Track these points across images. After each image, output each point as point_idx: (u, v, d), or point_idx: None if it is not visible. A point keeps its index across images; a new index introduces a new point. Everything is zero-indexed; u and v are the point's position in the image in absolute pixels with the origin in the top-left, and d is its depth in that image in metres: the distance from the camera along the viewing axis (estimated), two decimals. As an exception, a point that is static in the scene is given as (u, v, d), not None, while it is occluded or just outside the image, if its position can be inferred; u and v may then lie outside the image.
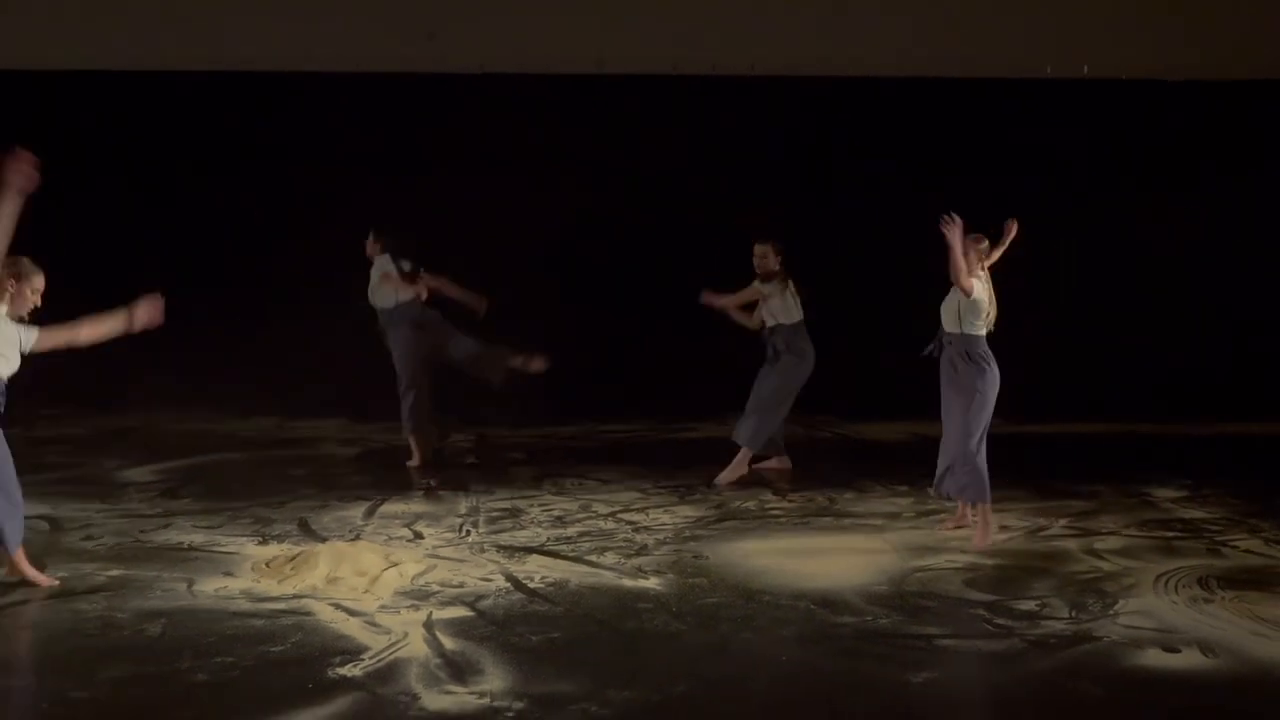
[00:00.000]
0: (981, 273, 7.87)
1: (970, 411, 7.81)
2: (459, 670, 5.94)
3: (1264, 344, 11.71)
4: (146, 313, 6.88)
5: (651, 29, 11.69)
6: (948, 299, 7.91)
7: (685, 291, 11.98)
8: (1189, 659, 6.14)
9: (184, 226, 11.82)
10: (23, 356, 6.74)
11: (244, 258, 11.73)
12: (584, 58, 11.63)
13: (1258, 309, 11.88)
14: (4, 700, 5.78)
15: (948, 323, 7.91)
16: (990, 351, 7.87)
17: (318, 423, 11.08)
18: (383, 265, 10.00)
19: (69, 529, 8.10)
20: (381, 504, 8.72)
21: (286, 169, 11.75)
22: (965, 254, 7.72)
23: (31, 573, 7.00)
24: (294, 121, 12.06)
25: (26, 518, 8.16)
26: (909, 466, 9.35)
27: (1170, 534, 8.14)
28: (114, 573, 7.24)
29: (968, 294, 7.74)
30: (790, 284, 9.62)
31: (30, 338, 6.71)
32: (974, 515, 8.01)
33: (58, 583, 6.94)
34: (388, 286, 9.92)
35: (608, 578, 7.27)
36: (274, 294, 11.29)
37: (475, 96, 11.91)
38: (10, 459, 6.83)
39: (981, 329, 7.85)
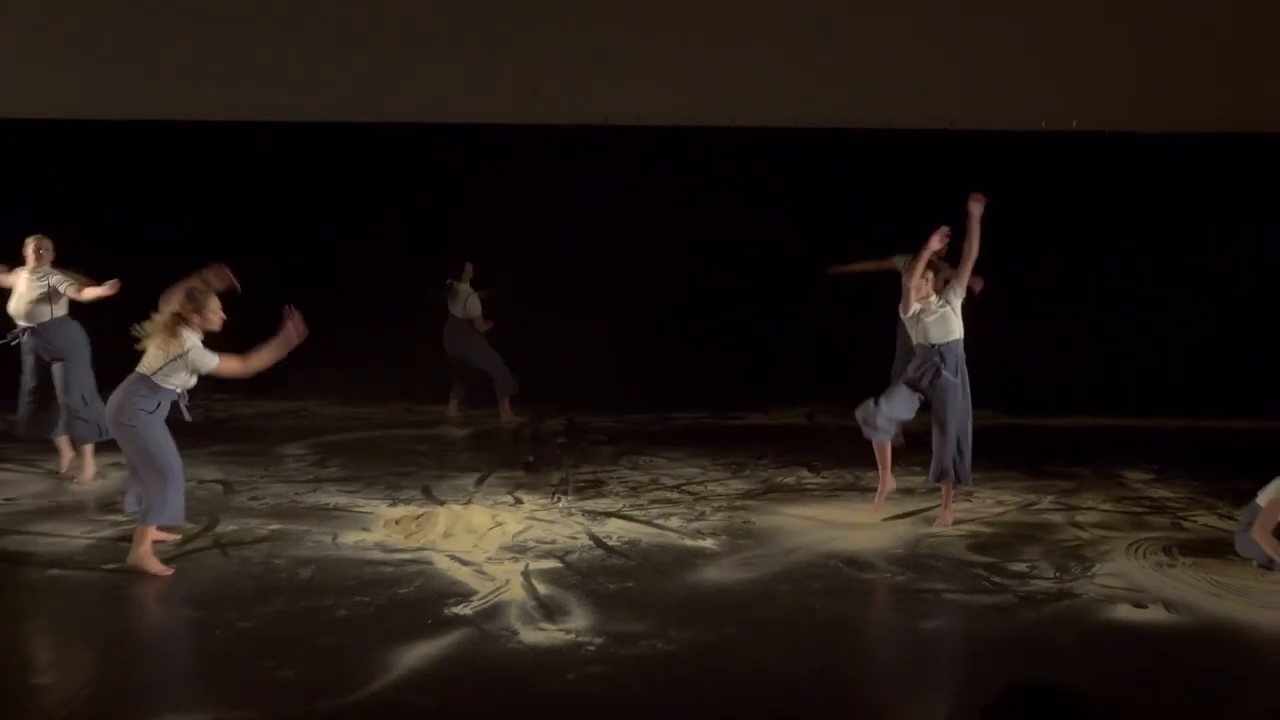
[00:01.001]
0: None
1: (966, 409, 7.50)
2: (550, 611, 5.97)
3: (1219, 354, 11.50)
4: (295, 329, 6.49)
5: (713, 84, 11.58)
6: (935, 317, 7.40)
7: (740, 310, 12.01)
8: (1154, 614, 6.08)
9: (335, 256, 11.86)
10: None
11: (379, 281, 11.79)
12: (655, 112, 11.59)
13: (1215, 326, 11.67)
14: (186, 628, 5.89)
15: (942, 335, 7.39)
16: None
17: (438, 408, 11.14)
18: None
19: (239, 491, 8.21)
20: (489, 475, 8.76)
21: (413, 205, 11.83)
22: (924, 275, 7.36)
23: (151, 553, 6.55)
24: (426, 164, 12.13)
25: (206, 482, 8.32)
26: (923, 450, 9.25)
27: (1140, 510, 8.03)
28: (274, 527, 7.34)
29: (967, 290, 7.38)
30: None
31: (210, 363, 6.39)
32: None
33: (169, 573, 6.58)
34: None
35: (672, 538, 7.28)
36: (399, 308, 11.34)
37: (570, 146, 11.90)
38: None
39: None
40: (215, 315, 6.48)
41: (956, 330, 7.43)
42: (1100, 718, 2.06)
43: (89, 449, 8.29)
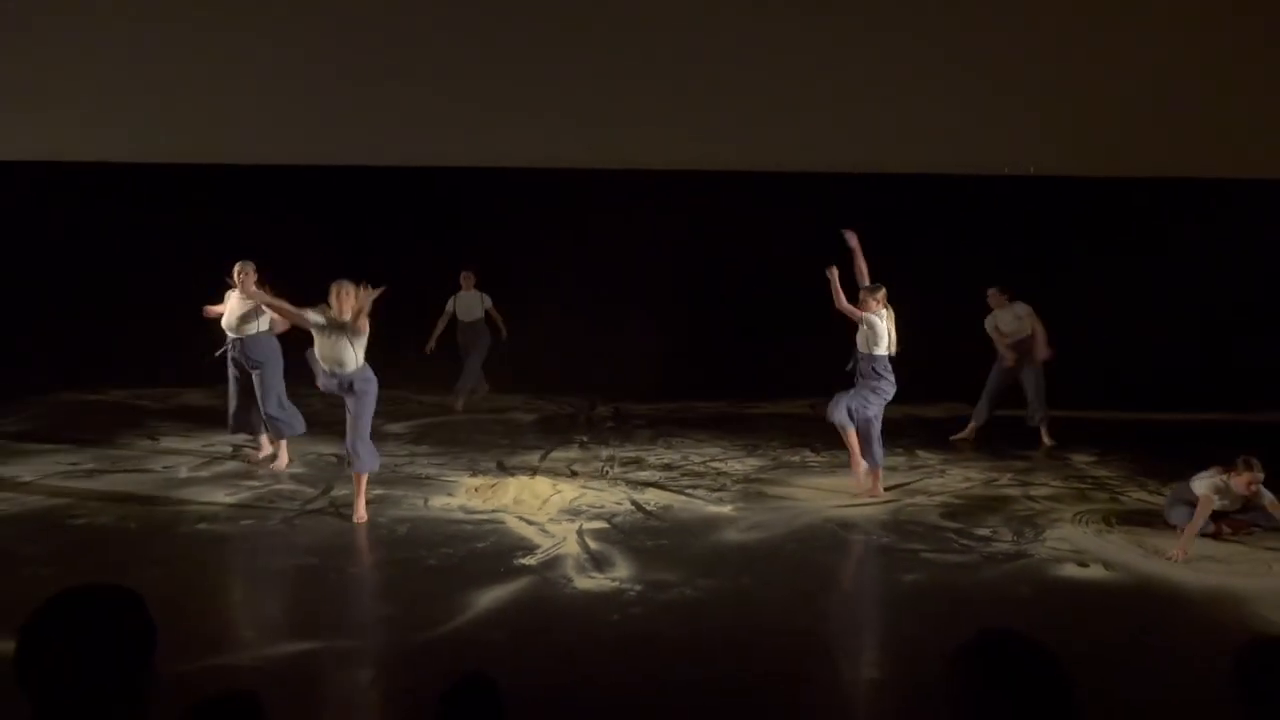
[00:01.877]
0: (884, 310, 7.22)
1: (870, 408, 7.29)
2: (599, 563, 5.98)
3: (1151, 359, 11.32)
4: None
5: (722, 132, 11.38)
6: (860, 330, 7.27)
7: (754, 320, 11.94)
8: (1095, 572, 6.02)
9: (427, 282, 11.77)
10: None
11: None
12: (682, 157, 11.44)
13: (1147, 335, 11.49)
14: (307, 573, 5.93)
15: (860, 345, 7.30)
16: (890, 367, 7.27)
17: (509, 397, 11.15)
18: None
19: (351, 463, 8.24)
20: (551, 451, 8.77)
21: (476, 238, 11.70)
22: (865, 300, 7.16)
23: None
24: (493, 202, 12.11)
25: (324, 455, 8.36)
26: (905, 436, 9.19)
27: (1083, 485, 7.92)
28: (377, 492, 7.34)
29: (862, 320, 7.14)
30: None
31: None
32: (867, 474, 7.48)
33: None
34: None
35: (698, 504, 7.26)
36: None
37: (603, 186, 11.76)
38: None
39: (881, 351, 7.23)
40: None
41: (871, 346, 7.25)
42: (1052, 656, 2.03)
43: (284, 442, 7.98)
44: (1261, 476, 6.31)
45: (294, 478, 7.70)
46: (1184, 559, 6.20)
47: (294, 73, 11.32)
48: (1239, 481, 6.33)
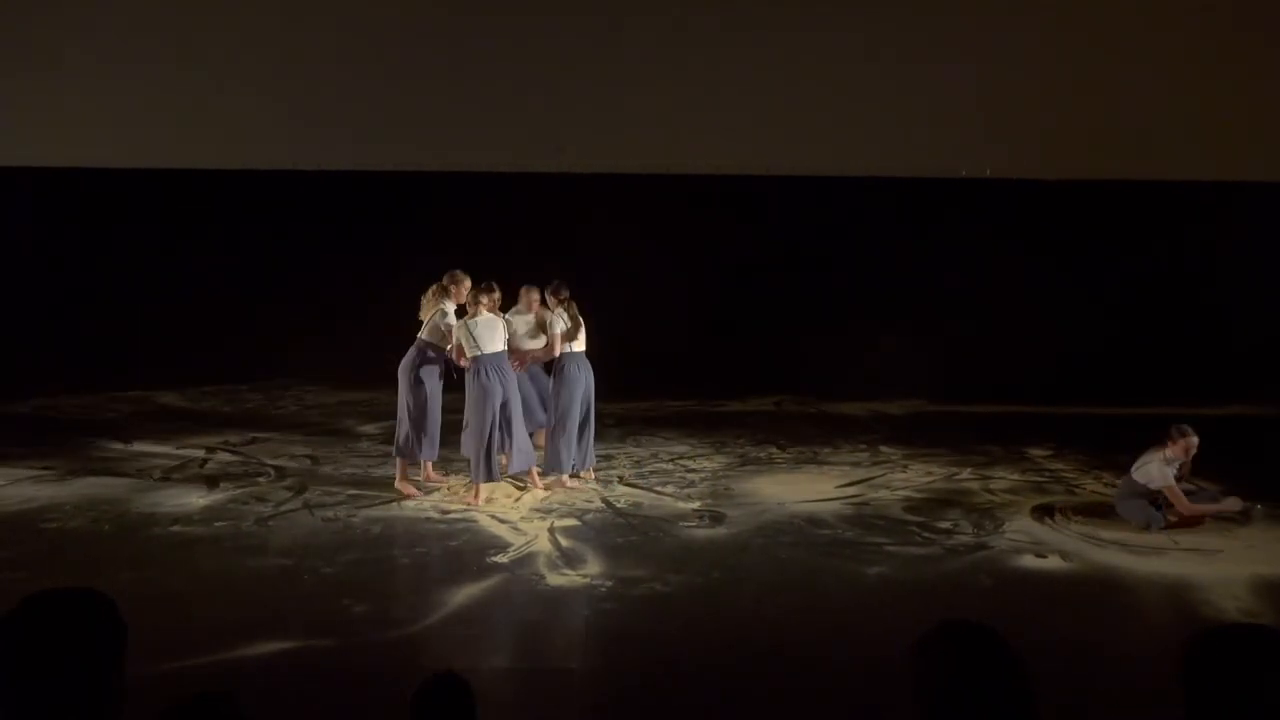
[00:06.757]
0: (561, 309, 7.27)
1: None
2: (571, 559, 5.96)
3: (1105, 355, 11.45)
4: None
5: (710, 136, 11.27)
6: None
7: (722, 321, 11.94)
8: (1052, 562, 6.08)
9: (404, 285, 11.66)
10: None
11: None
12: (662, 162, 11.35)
13: (1100, 333, 11.63)
14: (280, 573, 5.87)
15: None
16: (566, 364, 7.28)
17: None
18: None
19: (323, 463, 8.19)
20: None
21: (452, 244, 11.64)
22: (545, 301, 7.29)
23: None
24: (469, 209, 12.03)
25: (298, 456, 8.28)
26: (866, 432, 9.23)
27: (1040, 479, 7.99)
28: (351, 492, 7.32)
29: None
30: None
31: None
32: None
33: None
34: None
35: (668, 501, 7.26)
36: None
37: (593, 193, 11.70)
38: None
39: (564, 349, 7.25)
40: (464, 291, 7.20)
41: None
42: (1013, 644, 2.04)
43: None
44: (1196, 440, 6.59)
45: (266, 479, 7.63)
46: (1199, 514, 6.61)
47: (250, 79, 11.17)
48: (1177, 449, 6.60)
